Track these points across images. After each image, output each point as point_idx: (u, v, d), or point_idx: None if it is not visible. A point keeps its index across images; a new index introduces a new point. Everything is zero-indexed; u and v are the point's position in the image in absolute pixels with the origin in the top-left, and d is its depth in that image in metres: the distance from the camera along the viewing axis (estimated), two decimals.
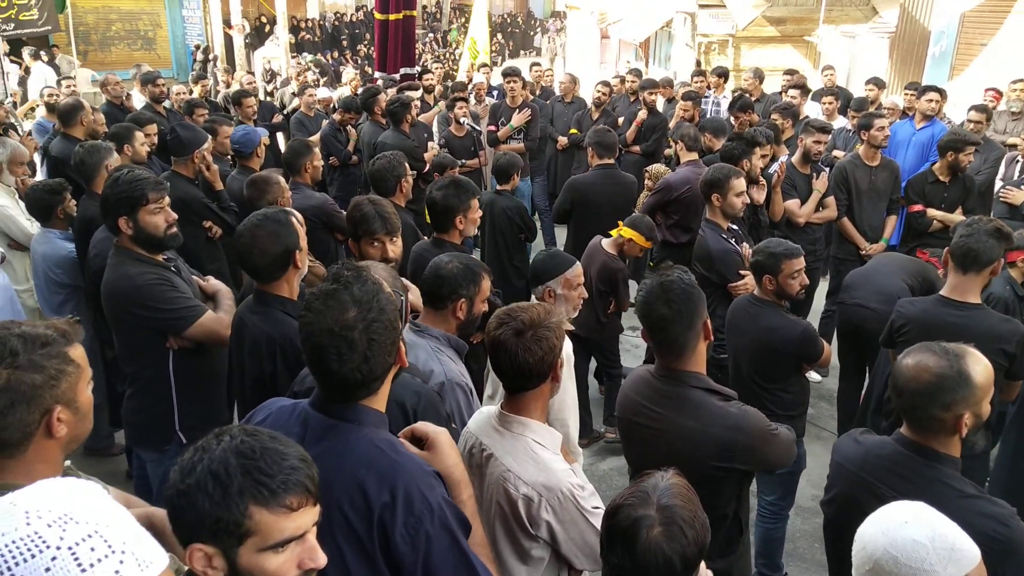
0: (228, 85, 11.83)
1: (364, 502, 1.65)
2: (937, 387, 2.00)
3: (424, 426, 1.90)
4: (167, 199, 3.16)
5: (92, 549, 1.08)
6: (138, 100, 8.92)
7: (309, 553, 1.36)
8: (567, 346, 3.07)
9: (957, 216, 5.49)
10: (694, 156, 5.76)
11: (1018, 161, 6.56)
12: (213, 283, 3.41)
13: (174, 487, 1.31)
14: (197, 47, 20.49)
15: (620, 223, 4.78)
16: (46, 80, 11.90)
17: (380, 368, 1.71)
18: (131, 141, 4.90)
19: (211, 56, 18.90)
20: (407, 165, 4.45)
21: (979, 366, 2.05)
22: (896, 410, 2.12)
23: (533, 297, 3.52)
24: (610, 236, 4.80)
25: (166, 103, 8.45)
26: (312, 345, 1.68)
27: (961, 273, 3.23)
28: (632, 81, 8.88)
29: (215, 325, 3.07)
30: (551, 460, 2.14)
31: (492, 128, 8.06)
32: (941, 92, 7.09)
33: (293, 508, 1.32)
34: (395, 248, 3.36)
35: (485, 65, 11.48)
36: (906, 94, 7.73)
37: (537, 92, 9.73)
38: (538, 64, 11.64)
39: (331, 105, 8.95)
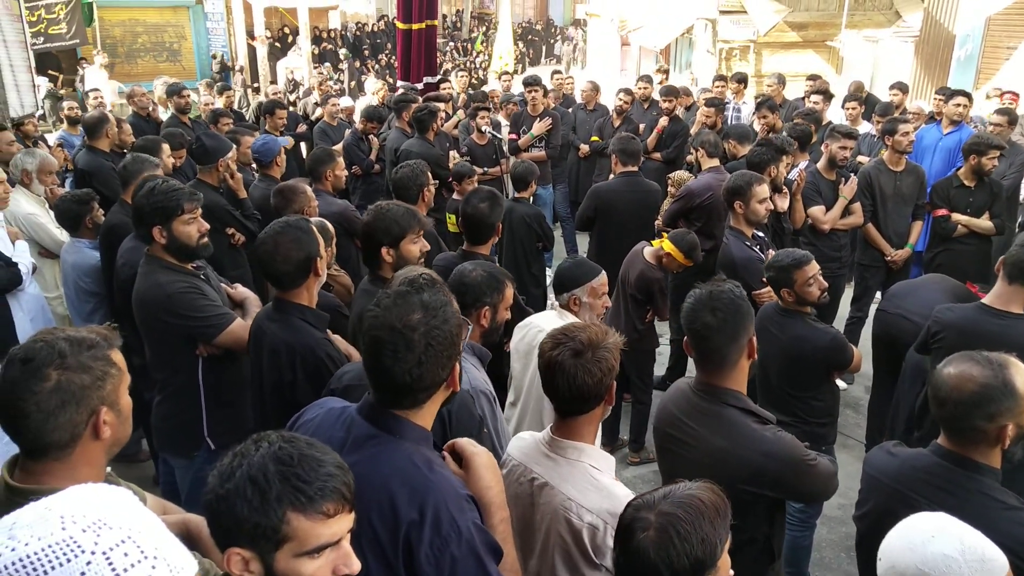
0: (256, 94, 11.95)
1: (393, 516, 1.65)
2: (982, 397, 1.95)
3: (464, 444, 1.87)
4: (200, 209, 3.20)
5: (126, 554, 1.10)
6: (163, 111, 9.07)
7: (344, 559, 1.37)
8: None
9: (983, 221, 5.43)
10: (715, 163, 5.73)
11: None
12: (241, 291, 3.45)
13: (213, 492, 1.33)
14: (214, 56, 20.74)
15: (664, 234, 4.74)
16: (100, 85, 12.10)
17: (431, 377, 1.70)
18: (159, 154, 4.97)
19: (237, 67, 19.13)
20: (430, 174, 4.46)
21: (1021, 376, 2.00)
22: (935, 420, 2.07)
23: (556, 304, 3.51)
24: (651, 245, 4.77)
25: (192, 113, 8.58)
26: (371, 339, 1.68)
27: (1008, 283, 3.17)
28: (644, 88, 8.86)
29: (244, 333, 3.09)
30: (612, 485, 2.07)
31: (513, 136, 8.09)
32: (969, 96, 7.01)
33: (329, 515, 1.33)
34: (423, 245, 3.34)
35: (507, 73, 11.53)
36: (936, 99, 7.64)
37: (559, 100, 9.74)
38: (559, 72, 11.64)
39: (353, 115, 9.03)
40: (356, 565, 1.38)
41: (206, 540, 1.42)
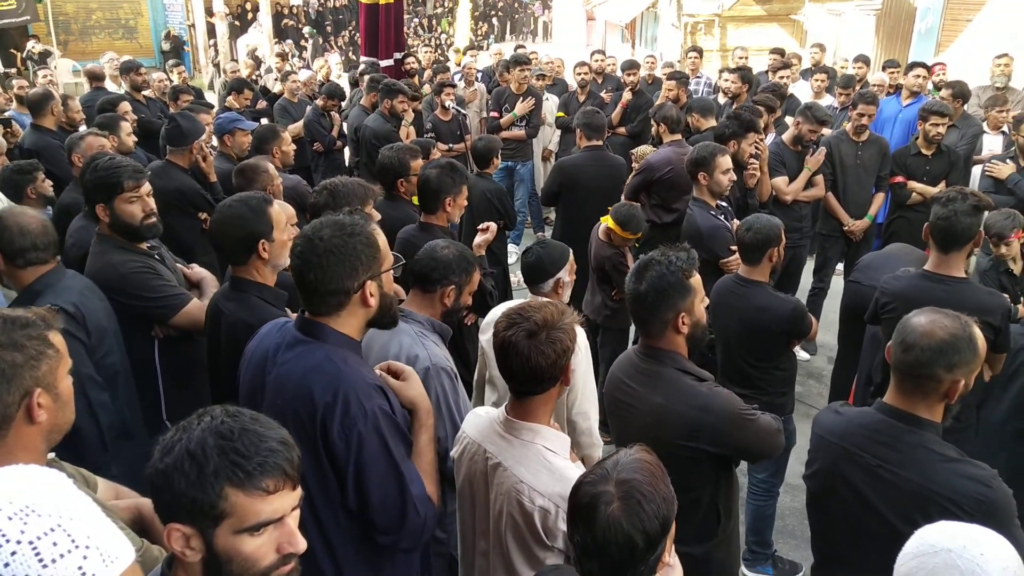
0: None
1: (311, 402, 1.96)
2: (949, 345, 1.99)
3: (398, 364, 2.21)
4: (146, 187, 3.10)
5: (55, 544, 1.06)
6: (111, 88, 8.81)
7: (288, 537, 1.34)
8: (581, 335, 3.05)
9: (935, 190, 5.51)
10: (676, 137, 5.70)
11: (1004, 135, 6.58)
12: (198, 271, 3.38)
13: (154, 466, 1.31)
14: (167, 34, 20.22)
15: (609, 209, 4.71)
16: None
17: (334, 282, 1.98)
18: (118, 131, 4.85)
19: (201, 44, 18.66)
20: (413, 164, 4.34)
21: (981, 336, 2.06)
22: (893, 369, 2.09)
23: (543, 289, 3.33)
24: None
25: (146, 92, 8.37)
26: (293, 250, 2.04)
27: (943, 252, 3.23)
28: (600, 61, 8.83)
29: (200, 313, 3.04)
30: (565, 468, 2.07)
31: (495, 114, 8.07)
32: (928, 68, 7.08)
33: (269, 491, 1.30)
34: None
35: (473, 48, 11.42)
36: (888, 72, 7.72)
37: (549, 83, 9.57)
38: (525, 46, 11.56)
39: (314, 88, 8.89)
40: (301, 544, 1.35)
41: (159, 524, 1.39)
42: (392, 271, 2.18)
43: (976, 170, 6.30)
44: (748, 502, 3.90)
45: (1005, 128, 6.58)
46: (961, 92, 6.71)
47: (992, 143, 6.63)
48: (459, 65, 10.15)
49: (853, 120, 5.70)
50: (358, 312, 2.07)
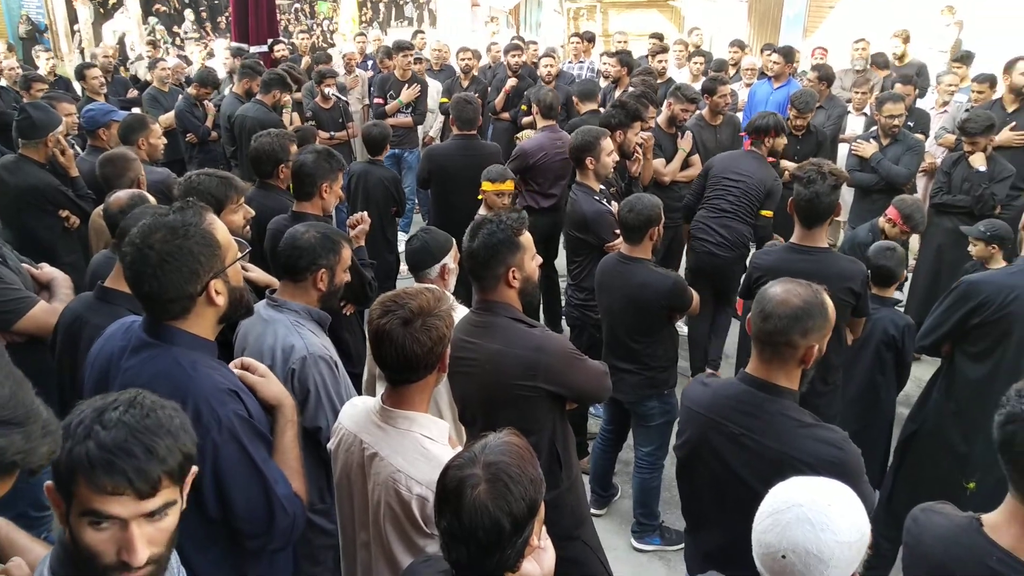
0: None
1: None
2: (804, 312, 2.08)
3: (251, 361, 2.13)
4: None
5: None
6: None
7: (125, 545, 1.31)
8: None
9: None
10: (550, 122, 5.70)
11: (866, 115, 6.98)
12: (48, 271, 3.13)
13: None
14: (24, 18, 18.80)
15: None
16: None
17: (174, 289, 1.85)
18: None
19: (41, 30, 17.41)
20: (292, 148, 4.17)
21: (830, 303, 2.17)
22: (754, 338, 2.18)
23: (429, 276, 3.27)
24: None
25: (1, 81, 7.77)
26: (123, 260, 1.90)
27: (807, 228, 3.39)
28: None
29: (49, 317, 2.82)
30: (443, 454, 2.01)
31: (380, 101, 7.92)
32: (785, 52, 7.46)
33: (107, 491, 1.30)
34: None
35: (361, 35, 11.17)
36: (763, 55, 8.06)
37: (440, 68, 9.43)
38: (422, 32, 11.42)
39: (185, 76, 8.48)
40: (137, 559, 1.32)
41: (13, 542, 1.32)
42: (241, 260, 2.07)
43: (843, 148, 6.66)
44: (634, 476, 3.99)
45: (867, 110, 6.99)
46: (826, 75, 7.09)
47: (855, 124, 7.03)
48: (362, 53, 9.91)
49: (710, 105, 5.94)
50: (206, 312, 1.96)
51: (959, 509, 1.79)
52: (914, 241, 5.78)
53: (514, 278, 2.56)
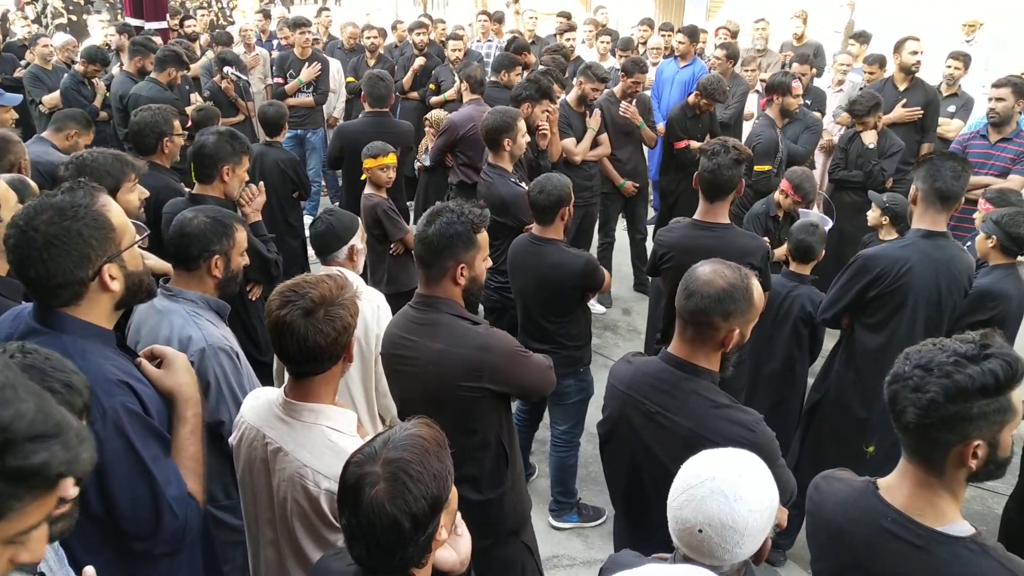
0: None
1: None
2: (727, 294, 2.08)
3: (162, 348, 2.02)
4: None
5: None
6: None
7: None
8: (382, 310, 2.92)
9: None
10: (477, 96, 5.76)
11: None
12: None
13: None
14: None
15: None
16: None
17: (62, 275, 1.76)
18: None
19: None
20: (176, 123, 3.99)
21: (758, 291, 2.17)
22: (678, 316, 2.18)
23: (338, 258, 3.22)
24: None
25: None
26: (7, 243, 1.78)
27: (709, 203, 3.45)
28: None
29: None
30: (351, 446, 1.92)
31: (279, 81, 7.65)
32: (689, 32, 7.60)
33: None
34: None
35: (262, 11, 10.75)
36: (662, 35, 8.16)
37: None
38: (327, 10, 11.06)
39: (75, 54, 7.97)
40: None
41: None
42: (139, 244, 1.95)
43: (747, 125, 6.84)
44: (551, 454, 4.00)
45: (758, 87, 7.20)
46: (733, 53, 7.25)
47: (755, 101, 7.23)
48: (265, 32, 9.53)
49: (622, 84, 5.95)
50: (100, 299, 1.85)
51: (857, 475, 1.85)
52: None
53: (461, 275, 2.45)
